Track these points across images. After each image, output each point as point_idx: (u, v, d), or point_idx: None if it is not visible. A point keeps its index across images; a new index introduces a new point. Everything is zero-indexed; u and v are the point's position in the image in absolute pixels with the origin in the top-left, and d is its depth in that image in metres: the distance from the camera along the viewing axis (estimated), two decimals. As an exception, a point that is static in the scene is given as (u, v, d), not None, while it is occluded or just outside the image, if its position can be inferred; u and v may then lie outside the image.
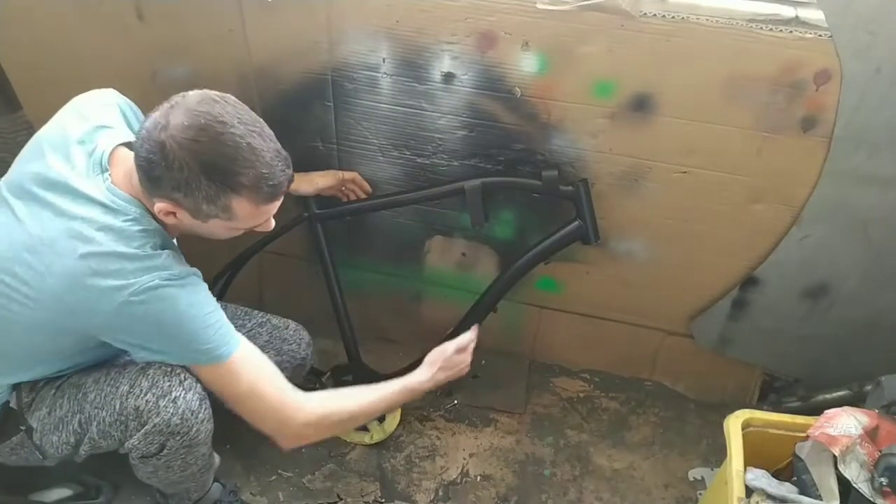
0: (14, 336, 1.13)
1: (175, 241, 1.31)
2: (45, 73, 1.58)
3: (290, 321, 1.51)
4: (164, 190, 1.03)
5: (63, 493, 1.50)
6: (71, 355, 1.21)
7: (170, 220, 1.08)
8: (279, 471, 1.63)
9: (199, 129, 0.98)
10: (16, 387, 1.23)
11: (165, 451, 1.20)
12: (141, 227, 1.07)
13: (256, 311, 1.50)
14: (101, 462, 1.31)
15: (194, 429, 1.19)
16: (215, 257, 1.70)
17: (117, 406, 1.17)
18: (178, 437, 1.18)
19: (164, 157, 0.99)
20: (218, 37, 1.44)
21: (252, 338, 1.42)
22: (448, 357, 1.33)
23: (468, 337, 1.36)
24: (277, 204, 1.11)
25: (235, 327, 1.43)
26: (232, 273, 1.71)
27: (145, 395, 1.15)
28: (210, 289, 1.71)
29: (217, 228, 1.10)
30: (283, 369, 1.48)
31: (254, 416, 1.17)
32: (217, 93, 1.03)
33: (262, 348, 1.43)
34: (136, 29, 1.47)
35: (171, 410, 1.16)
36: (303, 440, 1.22)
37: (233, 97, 1.04)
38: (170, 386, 1.16)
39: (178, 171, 0.99)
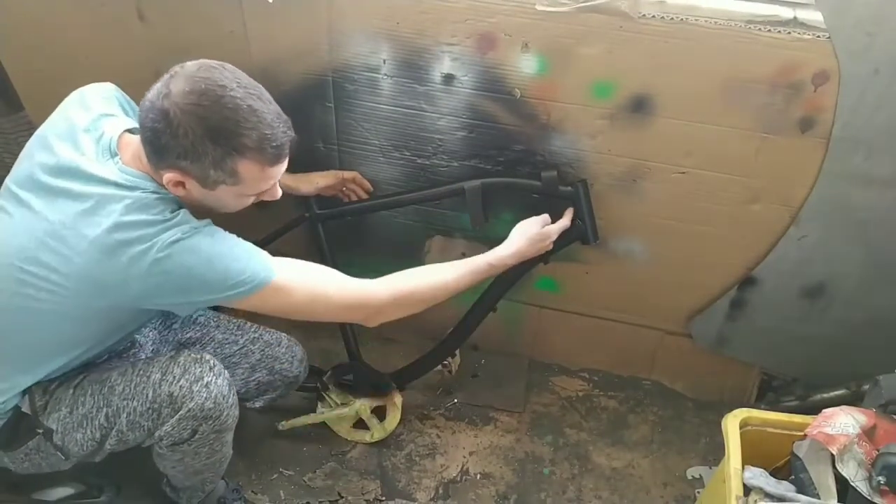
0: (42, 327, 1.14)
1: None
2: (47, 74, 1.59)
3: (283, 336, 1.52)
4: (171, 159, 1.04)
5: (65, 491, 1.50)
6: (96, 341, 1.21)
7: (179, 191, 1.09)
8: (280, 469, 1.64)
9: (201, 93, 1.00)
10: (27, 391, 1.23)
11: (197, 436, 1.22)
12: (158, 196, 1.08)
13: (249, 325, 1.50)
14: (104, 461, 1.31)
15: (225, 413, 1.22)
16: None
17: (150, 394, 1.19)
18: (210, 422, 1.21)
19: (169, 125, 1.00)
20: (219, 38, 1.44)
21: (244, 356, 1.46)
22: (536, 231, 1.35)
23: (548, 218, 1.39)
24: (282, 167, 1.11)
25: (227, 344, 1.46)
26: (233, 273, 1.72)
27: (178, 381, 1.18)
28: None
29: (225, 196, 1.11)
30: (274, 388, 1.52)
31: (327, 318, 1.22)
32: (215, 61, 1.05)
33: (254, 367, 1.46)
34: (137, 30, 1.48)
35: (205, 395, 1.18)
36: (387, 318, 1.26)
37: (231, 65, 1.06)
38: (201, 371, 1.19)
39: (184, 137, 1.01)
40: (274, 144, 1.06)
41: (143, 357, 1.37)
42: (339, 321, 1.22)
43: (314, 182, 1.55)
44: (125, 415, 1.20)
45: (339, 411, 1.65)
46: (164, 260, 1.04)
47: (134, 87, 1.32)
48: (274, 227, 1.65)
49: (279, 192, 1.17)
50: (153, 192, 1.08)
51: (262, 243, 1.65)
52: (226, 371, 1.23)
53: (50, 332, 1.15)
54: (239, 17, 1.41)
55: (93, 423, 1.22)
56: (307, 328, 1.57)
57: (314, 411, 1.67)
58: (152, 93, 1.02)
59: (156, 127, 1.01)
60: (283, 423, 1.66)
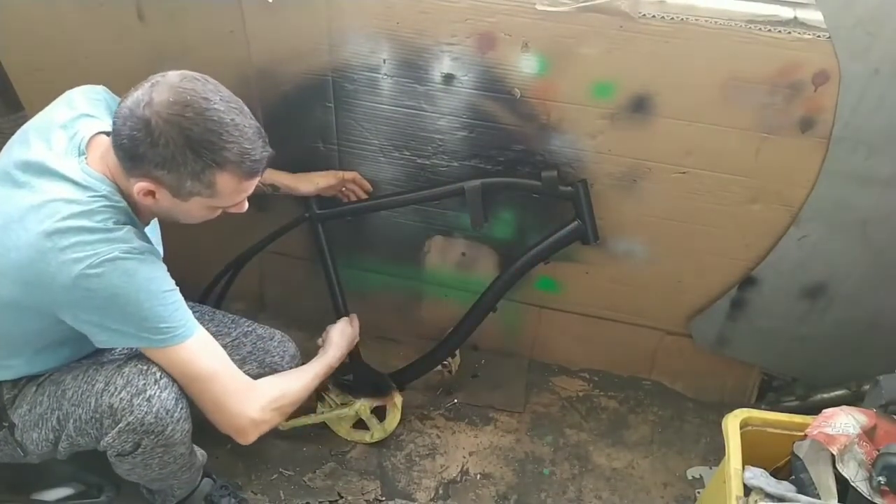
0: None
1: (159, 238, 1.30)
2: (47, 73, 1.58)
3: (276, 332, 1.52)
4: (146, 168, 1.03)
5: (65, 491, 1.51)
6: (43, 346, 1.20)
7: (147, 200, 1.08)
8: (280, 469, 1.64)
9: (185, 104, 1.00)
10: None
11: (140, 449, 1.19)
12: (107, 204, 1.07)
13: (243, 320, 1.50)
14: (103, 461, 1.31)
15: (169, 428, 1.18)
16: (216, 257, 1.71)
17: (92, 403, 1.17)
18: (152, 436, 1.18)
19: (150, 134, 1.00)
20: (219, 37, 1.44)
21: (236, 347, 1.44)
22: (349, 331, 1.53)
23: (347, 317, 1.58)
24: (255, 182, 1.12)
25: (219, 336, 1.44)
26: (233, 273, 1.72)
27: (119, 392, 1.15)
28: (211, 288, 1.74)
29: (196, 208, 1.11)
30: None
31: (212, 401, 1.18)
32: (196, 73, 1.05)
33: (245, 359, 1.44)
34: (136, 29, 1.47)
35: (145, 409, 1.15)
36: (259, 426, 1.22)
37: (212, 78, 1.06)
38: (144, 384, 1.16)
39: (164, 147, 1.00)
40: (253, 159, 1.06)
41: (116, 353, 1.35)
42: (220, 415, 1.19)
43: (314, 182, 1.55)
44: (72, 420, 1.19)
45: (339, 411, 1.65)
46: (94, 277, 1.03)
47: (133, 88, 1.32)
48: (274, 227, 1.65)
49: (246, 206, 1.17)
50: (103, 198, 1.07)
51: (262, 243, 1.66)
52: (174, 384, 1.18)
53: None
54: (239, 17, 1.41)
55: (47, 425, 1.21)
56: (306, 326, 1.56)
57: (314, 411, 1.66)
58: (131, 101, 1.02)
59: (134, 135, 1.00)
60: (283, 422, 1.66)
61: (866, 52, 1.19)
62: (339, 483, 1.62)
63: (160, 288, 1.10)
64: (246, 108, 1.07)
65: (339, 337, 1.49)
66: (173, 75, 1.03)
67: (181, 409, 1.19)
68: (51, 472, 1.45)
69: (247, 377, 1.23)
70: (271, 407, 1.23)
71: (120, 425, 1.16)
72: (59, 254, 1.03)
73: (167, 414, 1.17)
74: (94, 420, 1.18)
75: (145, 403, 1.15)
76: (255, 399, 1.21)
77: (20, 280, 1.06)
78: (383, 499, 1.60)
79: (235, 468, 1.62)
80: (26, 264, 1.04)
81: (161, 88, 1.01)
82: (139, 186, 1.05)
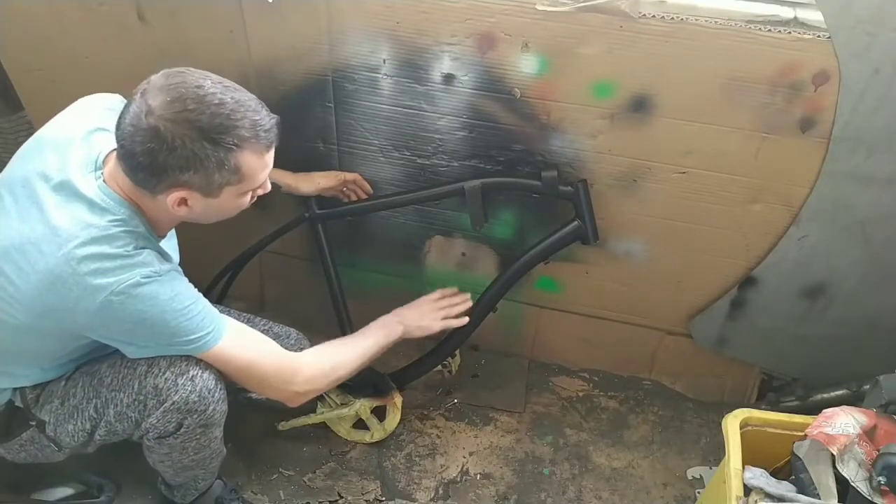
0: (4, 336, 1.14)
1: (175, 243, 1.30)
2: (46, 73, 1.59)
3: (291, 330, 1.53)
4: (171, 177, 1.02)
5: (65, 491, 1.51)
6: (59, 356, 1.21)
7: (181, 211, 1.08)
8: (280, 469, 1.64)
9: (183, 99, 0.99)
10: (18, 387, 1.24)
11: (182, 429, 1.22)
12: (125, 229, 1.07)
13: (259, 319, 1.51)
14: (103, 461, 1.31)
15: (211, 407, 1.21)
16: (216, 257, 1.71)
17: (136, 386, 1.18)
18: (195, 416, 1.20)
19: (163, 140, 0.98)
20: (218, 38, 1.44)
21: None
22: (425, 317, 1.49)
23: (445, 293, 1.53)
24: (272, 153, 1.11)
25: None
26: (233, 273, 1.72)
27: (164, 373, 1.17)
28: (211, 288, 1.74)
29: (228, 200, 1.10)
30: None
31: (258, 385, 1.25)
32: (178, 67, 1.04)
33: None
34: (136, 29, 1.47)
35: (190, 388, 1.18)
36: (308, 395, 1.31)
37: (191, 67, 1.05)
38: (187, 365, 1.18)
39: (182, 148, 0.99)
40: (265, 128, 1.06)
41: None
42: (264, 391, 1.27)
43: (315, 182, 1.55)
44: (113, 406, 1.20)
45: (339, 411, 1.65)
46: (117, 305, 1.04)
47: (133, 88, 1.31)
48: (274, 227, 1.65)
49: (269, 185, 1.17)
50: (122, 223, 1.07)
51: (262, 243, 1.66)
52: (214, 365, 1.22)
53: (14, 343, 1.16)
54: (239, 17, 1.41)
55: (83, 415, 1.22)
56: (306, 326, 1.56)
57: (314, 411, 1.66)
58: (129, 118, 1.00)
59: (149, 147, 0.99)
60: (282, 423, 1.66)
61: (866, 52, 1.19)
62: (339, 483, 1.62)
63: (184, 304, 1.11)
64: (237, 84, 1.06)
65: (413, 318, 1.48)
66: (157, 78, 1.02)
67: (220, 389, 1.23)
68: (51, 472, 1.45)
69: (287, 354, 1.27)
70: (319, 377, 1.30)
71: (165, 405, 1.18)
72: (80, 279, 1.03)
73: (209, 393, 1.20)
74: (136, 402, 1.19)
75: (189, 383, 1.17)
76: (296, 376, 1.26)
77: (40, 304, 1.06)
78: (383, 499, 1.60)
79: (235, 468, 1.62)
80: (47, 290, 1.05)
81: (153, 94, 0.99)
82: (172, 198, 1.05)
